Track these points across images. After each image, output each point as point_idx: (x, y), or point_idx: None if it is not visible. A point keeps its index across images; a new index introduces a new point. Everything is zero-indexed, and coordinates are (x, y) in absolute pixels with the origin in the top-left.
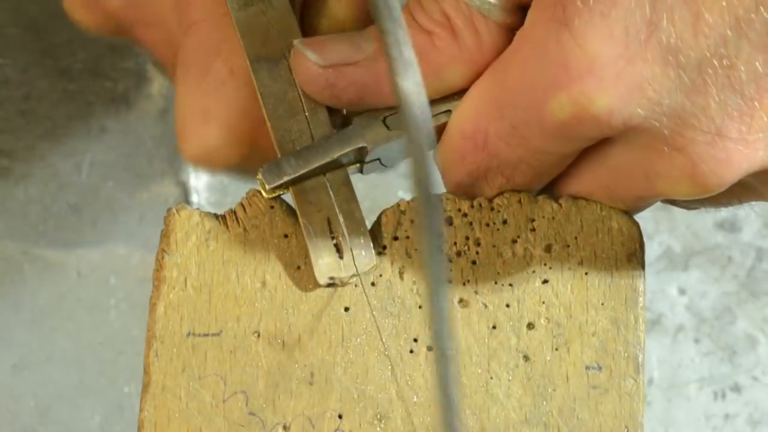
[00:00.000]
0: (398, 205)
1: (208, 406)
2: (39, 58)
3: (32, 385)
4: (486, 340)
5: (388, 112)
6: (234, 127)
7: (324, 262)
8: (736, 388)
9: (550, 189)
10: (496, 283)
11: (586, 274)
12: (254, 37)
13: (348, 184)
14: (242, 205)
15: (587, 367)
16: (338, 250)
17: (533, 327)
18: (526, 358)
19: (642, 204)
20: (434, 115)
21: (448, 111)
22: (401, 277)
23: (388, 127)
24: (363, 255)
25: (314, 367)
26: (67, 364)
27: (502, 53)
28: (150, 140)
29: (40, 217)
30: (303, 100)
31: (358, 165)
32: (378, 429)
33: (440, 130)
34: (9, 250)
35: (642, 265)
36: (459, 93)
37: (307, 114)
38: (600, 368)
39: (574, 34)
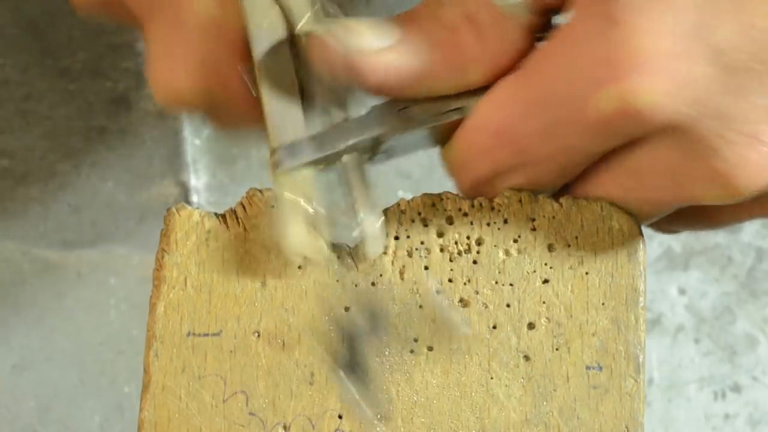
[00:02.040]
0: (398, 204)
1: (208, 406)
2: (39, 58)
3: (32, 385)
4: (486, 340)
5: (403, 104)
6: (199, 70)
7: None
8: (736, 388)
9: (564, 191)
10: (496, 282)
11: (587, 273)
12: (262, 22)
13: (360, 167)
14: (242, 204)
15: (587, 367)
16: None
17: (534, 327)
18: (526, 358)
19: (657, 210)
20: (445, 112)
21: (459, 108)
22: (401, 277)
23: (403, 119)
24: (376, 234)
25: (314, 367)
26: (67, 364)
27: (536, 52)
28: (150, 140)
29: (40, 217)
30: (314, 87)
31: (367, 155)
32: (378, 429)
33: (449, 127)
34: (9, 250)
35: (642, 265)
36: (474, 91)
37: (315, 100)
38: (600, 368)
39: (621, 30)
